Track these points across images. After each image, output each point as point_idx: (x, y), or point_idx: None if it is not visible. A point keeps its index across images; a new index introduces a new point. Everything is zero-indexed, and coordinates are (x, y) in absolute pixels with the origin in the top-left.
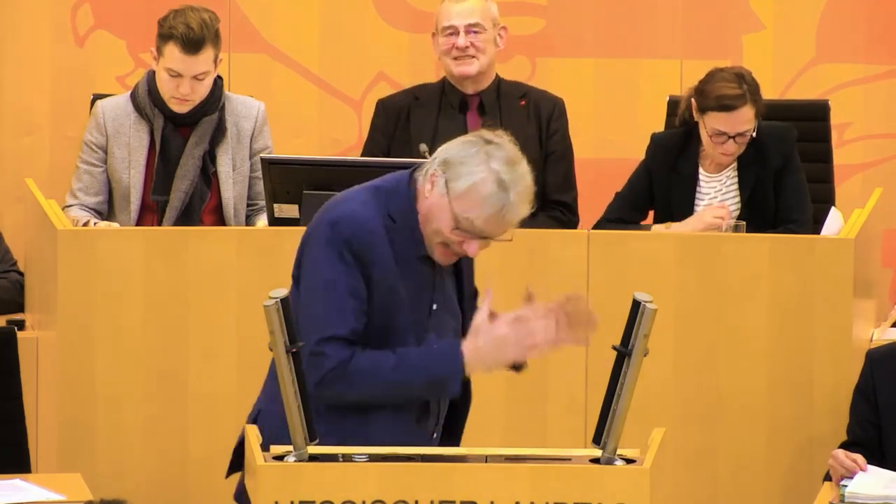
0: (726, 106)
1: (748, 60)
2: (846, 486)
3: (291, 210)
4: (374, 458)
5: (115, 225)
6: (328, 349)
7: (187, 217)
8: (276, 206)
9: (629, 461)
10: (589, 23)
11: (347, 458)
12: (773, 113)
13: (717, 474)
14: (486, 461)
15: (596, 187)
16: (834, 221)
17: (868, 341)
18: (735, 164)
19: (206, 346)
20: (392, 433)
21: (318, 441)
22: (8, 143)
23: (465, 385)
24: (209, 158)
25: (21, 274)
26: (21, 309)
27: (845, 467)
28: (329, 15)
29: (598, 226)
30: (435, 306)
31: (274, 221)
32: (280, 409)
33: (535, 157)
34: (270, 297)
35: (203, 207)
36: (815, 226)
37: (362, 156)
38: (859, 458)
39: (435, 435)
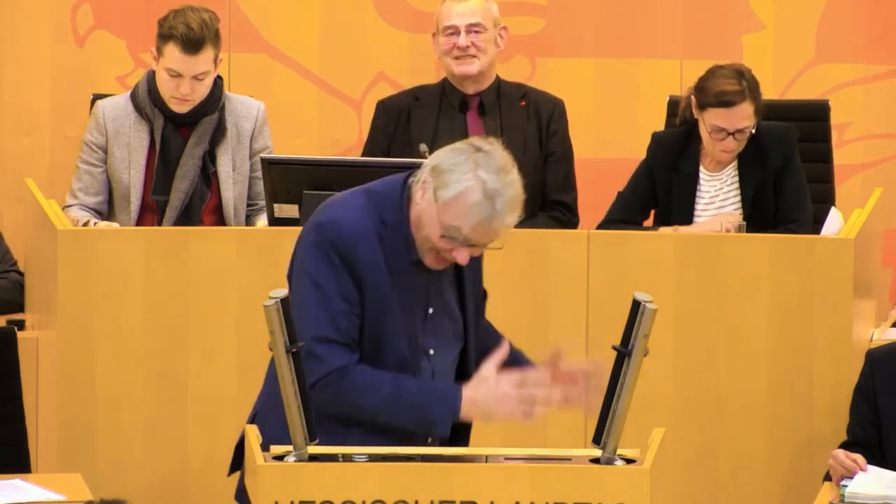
0: (726, 102)
1: (748, 60)
2: (846, 486)
3: (291, 210)
4: (374, 458)
5: (115, 225)
6: (321, 350)
7: (187, 217)
8: (276, 206)
9: (629, 461)
10: (589, 23)
11: (347, 458)
12: (773, 113)
13: (717, 474)
14: (486, 461)
15: (596, 187)
16: (834, 221)
17: (868, 341)
18: (735, 164)
19: (206, 346)
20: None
21: (317, 441)
22: (8, 143)
23: None
24: (209, 158)
25: (21, 274)
26: (21, 309)
27: (845, 467)
28: (329, 15)
29: (601, 227)
30: (431, 311)
31: (274, 221)
32: (279, 409)
33: (535, 157)
34: (270, 297)
35: (203, 207)
36: (815, 226)
37: (362, 156)
38: (859, 458)
39: (430, 439)
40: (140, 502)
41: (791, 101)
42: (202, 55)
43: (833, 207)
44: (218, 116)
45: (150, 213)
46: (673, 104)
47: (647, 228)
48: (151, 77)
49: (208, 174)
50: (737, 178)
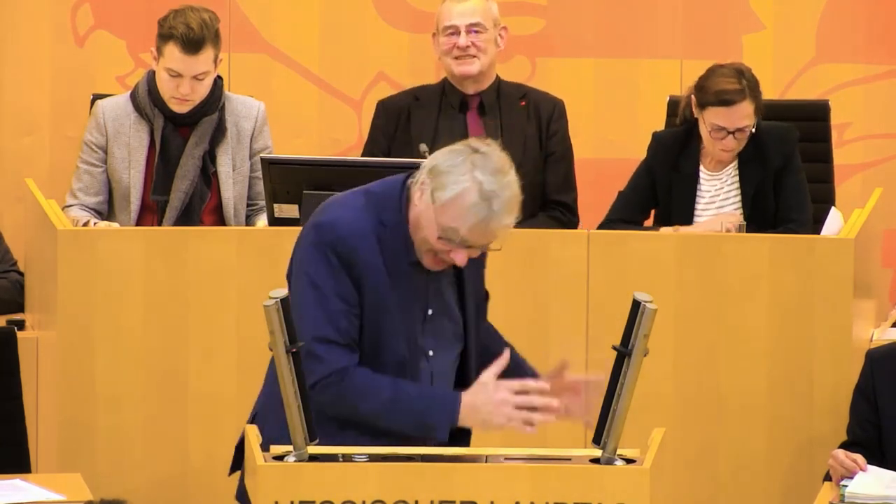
0: (725, 101)
1: (748, 60)
2: (846, 486)
3: (291, 210)
4: (374, 458)
5: (115, 225)
6: (321, 351)
7: (187, 217)
8: (276, 206)
9: (629, 461)
10: (589, 23)
11: (347, 458)
12: (773, 113)
13: (717, 474)
14: (486, 461)
15: (596, 187)
16: (834, 221)
17: (868, 341)
18: (735, 163)
19: (206, 346)
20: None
21: (317, 441)
22: (8, 143)
23: None
24: (209, 158)
25: (21, 274)
26: (21, 309)
27: (845, 467)
28: (329, 15)
29: (602, 226)
30: (431, 312)
31: (274, 221)
32: (279, 409)
33: (535, 157)
34: (270, 297)
35: (203, 207)
36: (815, 226)
37: (363, 156)
38: (859, 458)
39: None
40: (140, 502)
41: (791, 101)
42: (202, 55)
43: (833, 207)
44: (218, 116)
45: (150, 213)
46: (673, 104)
47: (647, 228)
48: (151, 77)
49: (208, 174)
50: (737, 178)
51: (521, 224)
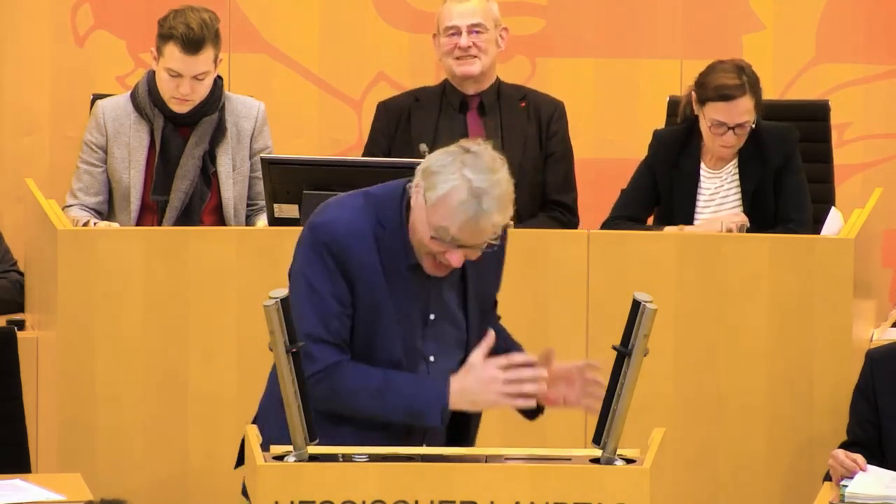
0: (726, 96)
1: (748, 60)
2: (846, 486)
3: (291, 210)
4: (374, 458)
5: (115, 225)
6: (315, 350)
7: (187, 217)
8: (276, 206)
9: (629, 461)
10: (589, 23)
11: (347, 458)
12: (773, 113)
13: (717, 474)
14: (486, 461)
15: (596, 187)
16: (834, 221)
17: (868, 341)
18: (736, 161)
19: (206, 346)
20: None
21: (317, 441)
22: (8, 143)
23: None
24: (209, 158)
25: (21, 274)
26: (21, 309)
27: (845, 467)
28: (329, 15)
29: (605, 225)
30: (433, 317)
31: (274, 221)
32: (280, 409)
33: (535, 157)
34: (270, 297)
35: (203, 207)
36: (815, 226)
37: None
38: (859, 458)
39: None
40: (140, 502)
41: (791, 101)
42: (202, 55)
43: (833, 207)
44: (218, 116)
45: (150, 213)
46: (673, 104)
47: (648, 227)
48: (151, 77)
49: (208, 174)
50: (737, 176)
51: (521, 224)
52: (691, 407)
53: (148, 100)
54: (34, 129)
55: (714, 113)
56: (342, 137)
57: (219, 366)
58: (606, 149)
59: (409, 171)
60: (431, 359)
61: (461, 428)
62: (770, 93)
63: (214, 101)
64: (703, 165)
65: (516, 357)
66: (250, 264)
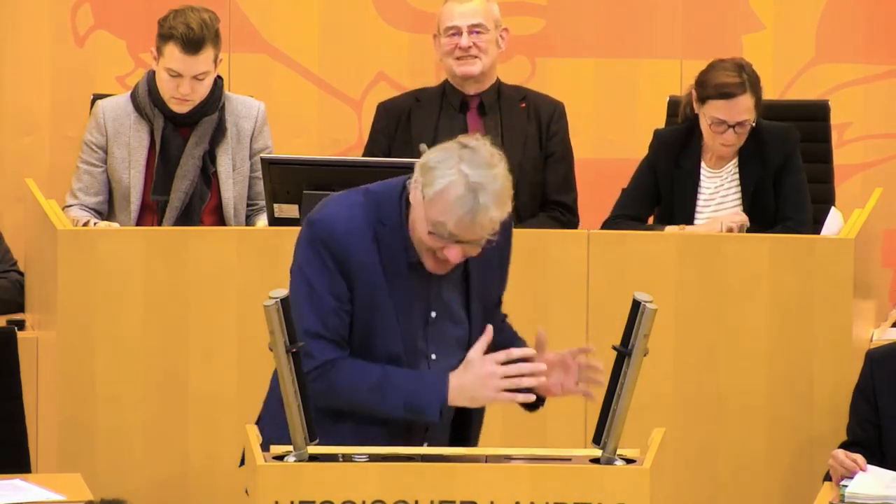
0: (726, 94)
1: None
2: (846, 486)
3: (291, 210)
4: (374, 458)
5: (115, 225)
6: (313, 347)
7: (187, 217)
8: (276, 206)
9: (629, 461)
10: (589, 23)
11: (347, 458)
12: (773, 113)
13: (717, 474)
14: (486, 461)
15: (596, 187)
16: (834, 221)
17: (868, 341)
18: (736, 161)
19: (206, 346)
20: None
21: (317, 441)
22: (8, 143)
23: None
24: (209, 158)
25: (21, 274)
26: (21, 309)
27: (845, 467)
28: (329, 15)
29: (606, 224)
30: (434, 315)
31: (274, 221)
32: (281, 410)
33: (535, 157)
34: (270, 297)
35: (203, 207)
36: (815, 226)
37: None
38: (859, 458)
39: (427, 433)
40: (140, 502)
41: (791, 101)
42: (202, 55)
43: (833, 207)
44: (218, 116)
45: (150, 213)
46: (673, 104)
47: (649, 227)
48: (151, 77)
49: (208, 174)
50: (737, 176)
51: (521, 224)
52: (691, 407)
53: (148, 100)
54: (34, 129)
55: (714, 111)
56: (342, 137)
57: (219, 366)
58: (606, 149)
59: (410, 171)
60: (433, 357)
61: (464, 425)
62: (770, 93)
63: (214, 101)
64: (703, 165)
65: (514, 351)
66: (250, 264)
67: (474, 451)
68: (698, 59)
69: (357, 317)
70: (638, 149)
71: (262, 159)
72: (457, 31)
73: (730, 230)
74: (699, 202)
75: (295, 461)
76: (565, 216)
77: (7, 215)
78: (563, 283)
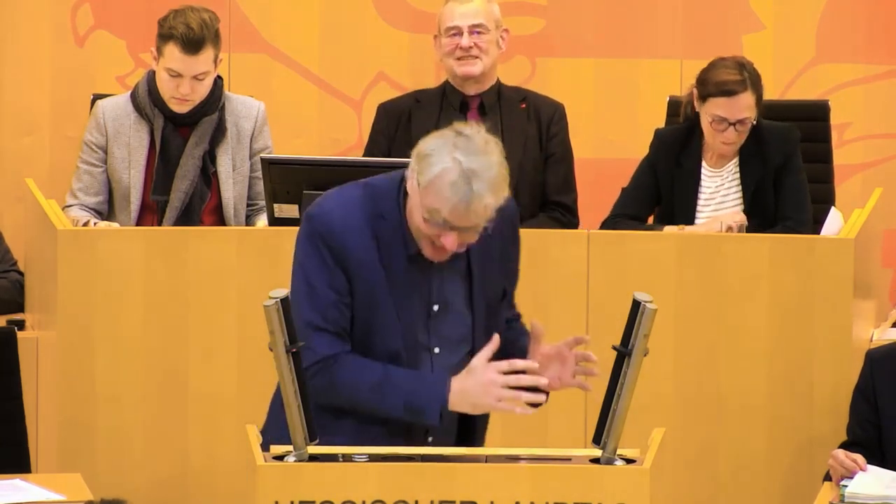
0: (727, 91)
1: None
2: (846, 486)
3: (291, 210)
4: (374, 458)
5: (115, 225)
6: (313, 340)
7: (187, 217)
8: (276, 206)
9: (629, 461)
10: (589, 23)
11: (347, 458)
12: (773, 113)
13: (717, 474)
14: (486, 461)
15: (596, 187)
16: (834, 221)
17: (868, 341)
18: (736, 160)
19: (206, 346)
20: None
21: (317, 441)
22: (8, 143)
23: None
24: (209, 158)
25: (21, 274)
26: (21, 309)
27: (845, 467)
28: (329, 15)
29: (606, 223)
30: (436, 308)
31: (274, 221)
32: (282, 410)
33: (535, 158)
34: (270, 297)
35: (203, 207)
36: (815, 226)
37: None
38: (859, 458)
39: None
40: (140, 502)
41: (791, 101)
42: (202, 55)
43: (833, 207)
44: (218, 116)
45: (150, 213)
46: (673, 104)
47: (650, 226)
48: (151, 77)
49: (208, 174)
50: (738, 175)
51: (521, 224)
52: (691, 407)
53: (148, 100)
54: (34, 129)
55: (715, 109)
56: (342, 137)
57: (219, 366)
58: (606, 149)
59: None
60: (436, 350)
61: (468, 425)
62: (770, 93)
63: (214, 101)
64: (704, 164)
65: (518, 362)
66: (250, 264)
67: (474, 451)
68: (698, 59)
69: (357, 314)
70: (638, 149)
71: (262, 159)
72: (458, 32)
73: (729, 229)
74: (700, 201)
75: (295, 461)
76: (565, 217)
77: (7, 215)
78: (563, 283)
